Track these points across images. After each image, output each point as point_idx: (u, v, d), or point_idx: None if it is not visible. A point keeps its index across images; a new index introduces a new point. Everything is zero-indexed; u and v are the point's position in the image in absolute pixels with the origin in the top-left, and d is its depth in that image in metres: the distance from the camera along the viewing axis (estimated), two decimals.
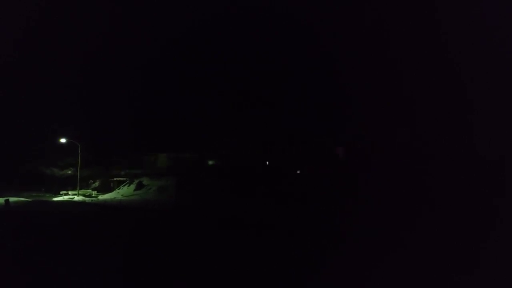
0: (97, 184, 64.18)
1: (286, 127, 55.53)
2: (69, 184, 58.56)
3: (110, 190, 56.07)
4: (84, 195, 49.29)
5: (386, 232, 10.75)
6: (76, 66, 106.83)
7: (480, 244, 8.89)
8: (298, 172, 37.07)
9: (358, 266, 7.58)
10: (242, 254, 8.96)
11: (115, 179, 60.89)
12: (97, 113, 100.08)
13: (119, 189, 52.70)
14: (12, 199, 34.42)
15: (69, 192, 51.17)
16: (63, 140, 50.73)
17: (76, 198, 45.07)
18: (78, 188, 49.42)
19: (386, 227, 11.52)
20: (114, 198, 44.31)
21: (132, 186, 49.75)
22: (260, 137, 52.88)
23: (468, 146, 15.30)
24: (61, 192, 52.31)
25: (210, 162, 54.16)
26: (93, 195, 51.53)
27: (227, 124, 63.14)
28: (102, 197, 48.05)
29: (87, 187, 61.69)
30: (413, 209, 13.06)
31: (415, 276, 6.84)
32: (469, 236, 9.60)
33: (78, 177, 49.64)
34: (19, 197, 40.60)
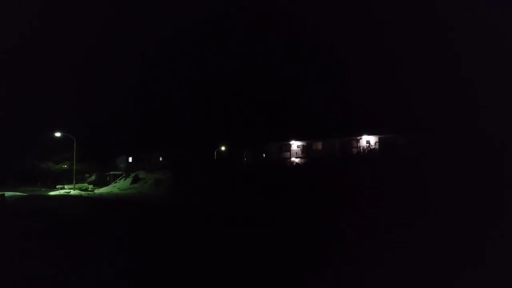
0: (93, 178, 64.09)
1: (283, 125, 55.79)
2: (65, 178, 58.45)
3: (106, 183, 55.94)
4: (80, 189, 49.11)
5: (392, 231, 10.70)
6: (72, 63, 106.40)
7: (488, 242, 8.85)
8: (296, 162, 37.06)
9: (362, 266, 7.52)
10: (245, 252, 8.88)
11: (111, 172, 60.78)
12: (92, 107, 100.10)
13: (116, 182, 52.53)
14: (7, 193, 34.19)
15: (65, 186, 50.95)
16: (58, 134, 50.28)
17: (72, 192, 44.88)
18: (74, 182, 49.20)
19: (392, 225, 11.47)
20: (111, 191, 44.13)
21: (129, 180, 49.55)
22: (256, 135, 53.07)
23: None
24: (57, 186, 52.10)
25: (206, 157, 54.14)
26: (89, 189, 51.34)
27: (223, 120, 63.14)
28: (99, 191, 47.87)
29: (83, 181, 61.58)
30: (418, 207, 13.05)
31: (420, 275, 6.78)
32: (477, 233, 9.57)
33: (74, 171, 49.38)
34: (15, 191, 40.37)
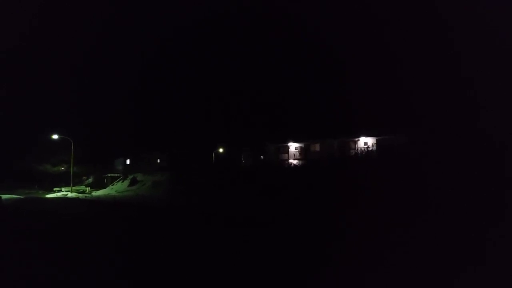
0: (90, 180, 63.84)
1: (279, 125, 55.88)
2: (62, 181, 58.16)
3: (104, 186, 55.73)
4: (77, 192, 48.90)
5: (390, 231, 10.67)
6: (72, 63, 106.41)
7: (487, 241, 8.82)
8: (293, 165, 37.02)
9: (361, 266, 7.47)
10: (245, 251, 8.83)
11: (108, 175, 60.57)
12: (92, 107, 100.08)
13: (113, 185, 52.37)
14: (4, 196, 34.02)
15: (63, 189, 50.74)
16: (55, 137, 50.06)
17: (70, 194, 44.68)
18: (71, 184, 49.01)
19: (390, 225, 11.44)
20: (108, 194, 43.99)
21: (126, 182, 49.41)
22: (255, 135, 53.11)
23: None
24: (54, 189, 51.86)
25: (203, 158, 54.13)
26: (87, 191, 51.13)
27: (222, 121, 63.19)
28: (96, 193, 47.69)
29: (80, 183, 61.34)
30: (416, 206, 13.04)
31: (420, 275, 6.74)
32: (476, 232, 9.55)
33: (71, 173, 49.20)
34: (12, 194, 40.20)
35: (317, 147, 46.62)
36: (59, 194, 45.83)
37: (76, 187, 53.06)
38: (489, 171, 13.58)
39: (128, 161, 64.81)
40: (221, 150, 58.88)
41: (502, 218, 10.67)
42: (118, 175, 58.61)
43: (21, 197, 37.48)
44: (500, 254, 7.71)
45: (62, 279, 6.92)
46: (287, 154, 48.94)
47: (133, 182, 47.95)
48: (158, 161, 60.59)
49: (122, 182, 50.98)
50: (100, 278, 6.93)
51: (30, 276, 7.16)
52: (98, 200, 32.78)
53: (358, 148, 36.98)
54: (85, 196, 41.51)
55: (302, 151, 48.03)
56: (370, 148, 27.41)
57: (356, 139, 42.56)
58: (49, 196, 43.76)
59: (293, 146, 49.24)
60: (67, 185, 52.06)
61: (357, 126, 42.41)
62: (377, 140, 39.63)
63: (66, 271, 7.46)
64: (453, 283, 6.37)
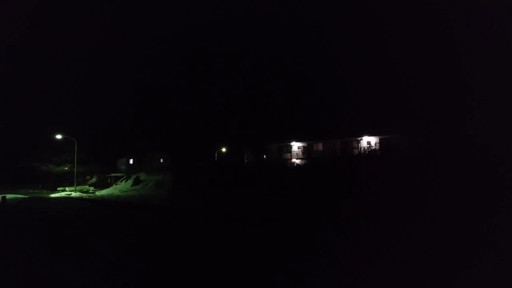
0: (94, 180, 64.17)
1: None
2: (66, 180, 58.55)
3: (107, 185, 56.01)
4: (81, 191, 49.16)
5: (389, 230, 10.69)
6: (72, 63, 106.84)
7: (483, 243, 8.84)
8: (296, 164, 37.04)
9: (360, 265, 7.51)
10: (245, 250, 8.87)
11: (112, 174, 60.87)
12: (92, 108, 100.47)
13: (117, 184, 52.57)
14: (8, 196, 34.25)
15: (66, 188, 51.05)
16: (59, 137, 50.30)
17: (74, 194, 44.91)
18: (75, 184, 49.25)
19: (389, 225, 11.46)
20: (112, 193, 44.14)
21: (130, 182, 49.58)
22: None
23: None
24: (58, 189, 52.18)
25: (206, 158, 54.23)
26: (91, 191, 51.38)
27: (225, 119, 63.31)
28: (100, 192, 47.89)
29: (84, 183, 61.68)
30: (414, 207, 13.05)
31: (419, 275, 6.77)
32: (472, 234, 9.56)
33: (75, 173, 49.44)
34: (16, 193, 40.42)
35: (320, 146, 46.70)
36: (63, 194, 46.08)
37: (80, 186, 53.34)
38: (489, 171, 13.57)
39: (131, 161, 65.12)
40: (224, 149, 59.06)
41: (502, 218, 10.67)
42: (121, 174, 58.88)
43: (26, 196, 37.70)
44: (500, 254, 7.72)
45: (65, 276, 7.00)
46: (290, 154, 49.05)
47: (136, 182, 48.13)
48: (161, 160, 60.81)
49: (126, 181, 51.17)
50: (101, 274, 7.01)
51: (32, 274, 7.25)
52: (102, 200, 32.92)
53: (361, 147, 36.97)
54: (89, 196, 41.69)
55: (305, 150, 48.10)
56: (373, 148, 27.36)
57: (359, 138, 42.59)
58: (53, 195, 43.98)
59: (296, 146, 49.32)
60: (71, 184, 52.38)
61: (360, 125, 42.46)
62: (380, 139, 39.64)
63: (68, 268, 7.53)
64: (453, 283, 6.39)
